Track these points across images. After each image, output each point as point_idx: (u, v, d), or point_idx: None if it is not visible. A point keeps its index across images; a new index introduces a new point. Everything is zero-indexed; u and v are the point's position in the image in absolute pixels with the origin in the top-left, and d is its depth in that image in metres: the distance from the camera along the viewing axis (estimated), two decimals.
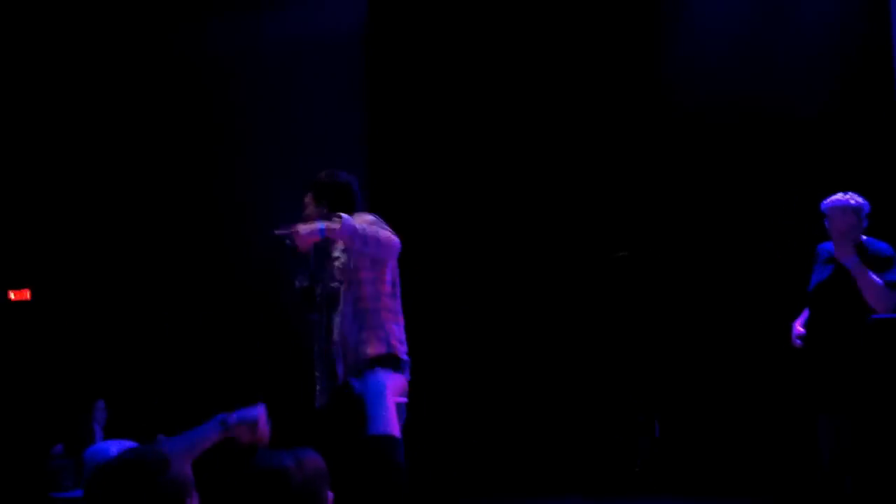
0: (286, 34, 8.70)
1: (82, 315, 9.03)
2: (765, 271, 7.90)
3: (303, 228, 4.49)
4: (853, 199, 5.08)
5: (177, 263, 8.90)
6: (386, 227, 4.71)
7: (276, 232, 4.53)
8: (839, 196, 5.11)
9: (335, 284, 4.76)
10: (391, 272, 4.78)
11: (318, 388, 4.76)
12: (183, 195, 8.93)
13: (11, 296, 9.16)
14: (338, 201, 4.81)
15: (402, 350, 4.70)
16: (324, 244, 4.78)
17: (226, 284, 8.68)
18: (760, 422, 7.87)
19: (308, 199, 4.87)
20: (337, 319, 4.72)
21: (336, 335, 4.70)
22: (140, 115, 9.01)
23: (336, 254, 4.81)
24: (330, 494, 2.31)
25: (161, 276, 8.92)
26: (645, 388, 8.61)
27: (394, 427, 4.31)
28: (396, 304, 4.79)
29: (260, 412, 2.94)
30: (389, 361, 4.56)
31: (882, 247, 5.04)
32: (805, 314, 5.32)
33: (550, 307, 8.78)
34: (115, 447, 2.61)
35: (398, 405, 4.48)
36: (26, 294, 9.22)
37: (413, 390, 4.60)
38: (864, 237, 5.07)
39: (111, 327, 8.96)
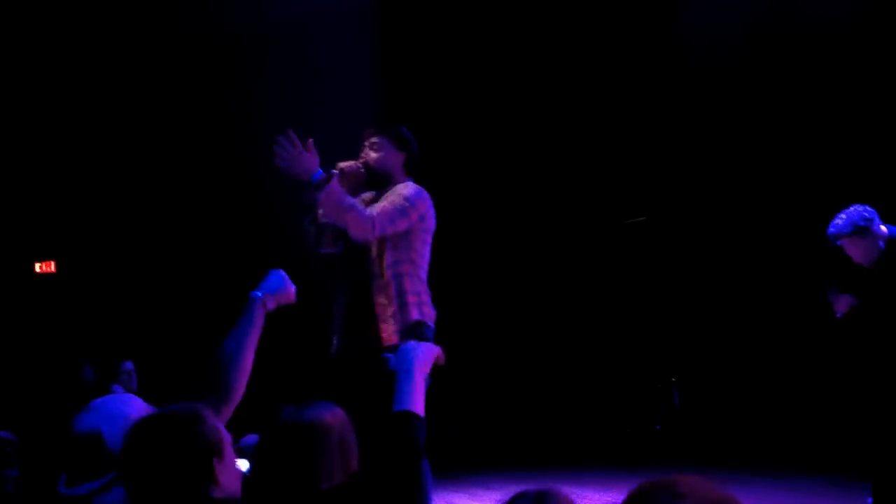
0: (298, 5, 8.69)
1: (107, 287, 9.12)
2: (786, 235, 7.84)
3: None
4: (852, 224, 4.82)
5: (199, 232, 8.96)
6: (413, 209, 4.55)
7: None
8: (839, 223, 4.86)
9: (362, 248, 4.59)
10: (421, 243, 4.65)
11: (335, 345, 4.67)
12: (202, 165, 8.98)
13: (37, 268, 9.26)
14: (412, 157, 4.72)
15: (430, 316, 4.63)
16: (373, 197, 4.63)
17: (248, 251, 8.73)
18: (781, 388, 7.84)
19: (381, 141, 4.66)
20: (366, 285, 4.59)
21: (364, 300, 4.59)
22: (160, 88, 9.05)
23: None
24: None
25: (184, 245, 8.99)
26: (664, 355, 8.60)
27: (418, 404, 4.30)
28: (424, 273, 4.69)
29: (281, 274, 3.00)
30: (419, 329, 4.50)
31: None
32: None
33: (569, 275, 8.78)
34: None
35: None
36: (51, 266, 9.31)
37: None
38: (886, 230, 4.85)
39: (136, 298, 9.05)
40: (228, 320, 2.90)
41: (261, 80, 8.65)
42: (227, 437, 2.26)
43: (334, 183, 4.35)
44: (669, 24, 8.42)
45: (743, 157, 8.17)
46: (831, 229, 4.87)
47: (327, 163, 4.47)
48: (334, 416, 2.30)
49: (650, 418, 8.53)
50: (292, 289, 3.03)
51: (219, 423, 2.27)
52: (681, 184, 8.51)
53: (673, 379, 8.45)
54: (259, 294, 2.91)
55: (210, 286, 8.85)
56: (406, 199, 4.53)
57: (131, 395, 2.72)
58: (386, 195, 4.57)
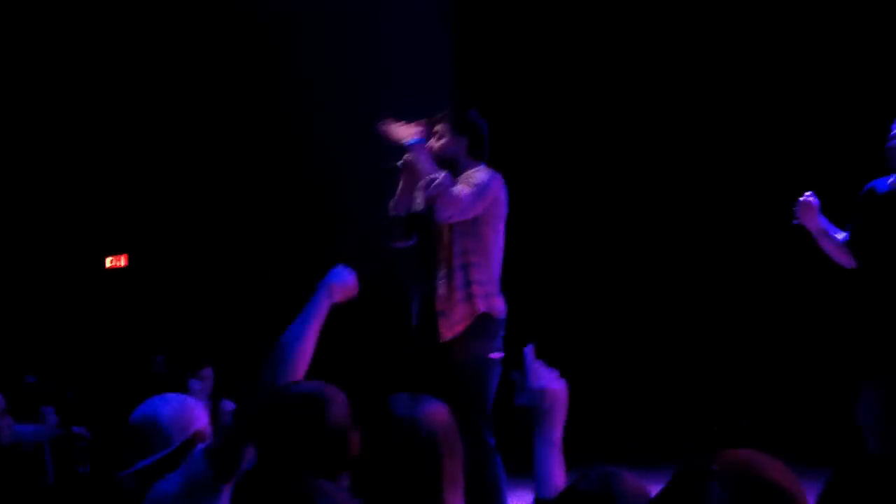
0: None
1: (180, 281, 9.09)
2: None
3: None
4: None
5: (266, 224, 8.89)
6: (488, 191, 4.42)
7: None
8: None
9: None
10: (492, 231, 4.50)
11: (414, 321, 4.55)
12: (270, 153, 8.91)
13: (108, 262, 9.24)
14: (476, 139, 4.58)
15: (499, 309, 4.43)
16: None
17: (315, 241, 8.60)
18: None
19: (443, 128, 4.55)
20: (434, 276, 4.47)
21: (432, 291, 4.46)
22: (232, 81, 8.98)
23: None
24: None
25: (252, 237, 8.94)
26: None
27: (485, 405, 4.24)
28: (496, 262, 4.53)
29: (345, 269, 3.04)
30: (485, 323, 4.33)
31: None
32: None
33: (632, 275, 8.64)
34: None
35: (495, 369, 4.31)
36: (123, 260, 9.29)
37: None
38: None
39: (210, 292, 9.01)
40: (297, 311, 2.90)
41: (334, 66, 8.52)
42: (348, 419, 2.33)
43: (425, 150, 4.39)
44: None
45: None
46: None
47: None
48: (442, 412, 2.22)
49: (739, 413, 8.32)
50: (355, 284, 3.04)
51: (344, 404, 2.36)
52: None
53: (770, 373, 8.25)
54: (325, 284, 2.94)
55: (282, 279, 8.76)
56: (479, 182, 4.39)
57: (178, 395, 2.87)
58: (458, 180, 4.43)
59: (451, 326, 4.33)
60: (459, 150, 4.51)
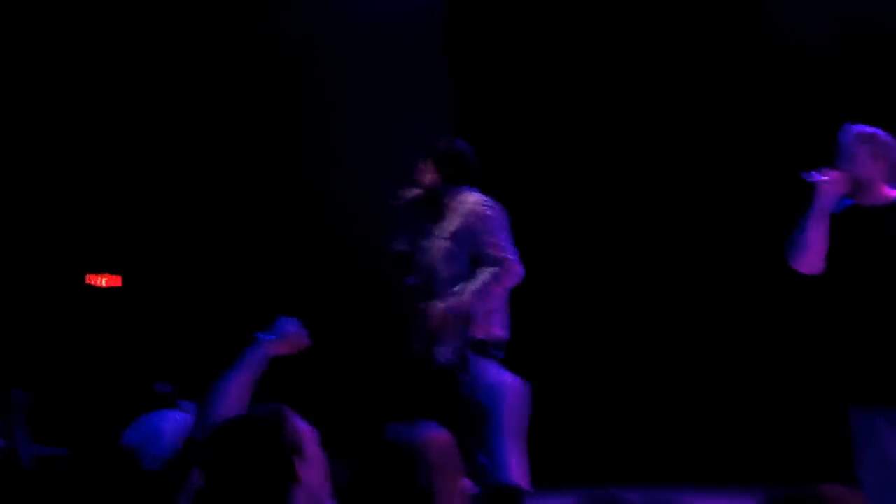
0: (370, 12, 8.57)
1: (172, 302, 9.05)
2: None
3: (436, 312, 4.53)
4: None
5: (265, 245, 8.87)
6: (498, 214, 4.71)
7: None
8: None
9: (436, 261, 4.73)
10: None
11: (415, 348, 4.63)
12: (270, 177, 8.90)
13: (102, 282, 9.19)
14: (457, 171, 4.82)
15: (498, 337, 4.55)
16: (430, 215, 4.80)
17: (316, 263, 8.67)
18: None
19: (427, 166, 4.83)
20: (437, 300, 4.64)
21: (433, 313, 4.61)
22: (228, 97, 8.96)
23: (444, 236, 4.65)
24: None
25: (250, 259, 8.90)
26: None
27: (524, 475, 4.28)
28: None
29: (291, 322, 3.03)
30: (481, 350, 4.40)
31: None
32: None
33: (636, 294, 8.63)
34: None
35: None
36: (117, 280, 9.25)
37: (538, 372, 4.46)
38: None
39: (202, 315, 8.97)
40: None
41: (334, 92, 8.55)
42: (309, 435, 2.29)
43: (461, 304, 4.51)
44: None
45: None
46: None
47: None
48: (440, 437, 2.22)
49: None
50: (300, 334, 3.05)
51: (301, 422, 2.30)
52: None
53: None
54: (261, 337, 2.95)
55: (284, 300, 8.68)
56: (493, 223, 4.68)
57: (174, 411, 2.91)
58: (454, 211, 4.74)
59: (447, 350, 4.41)
60: (447, 179, 4.76)
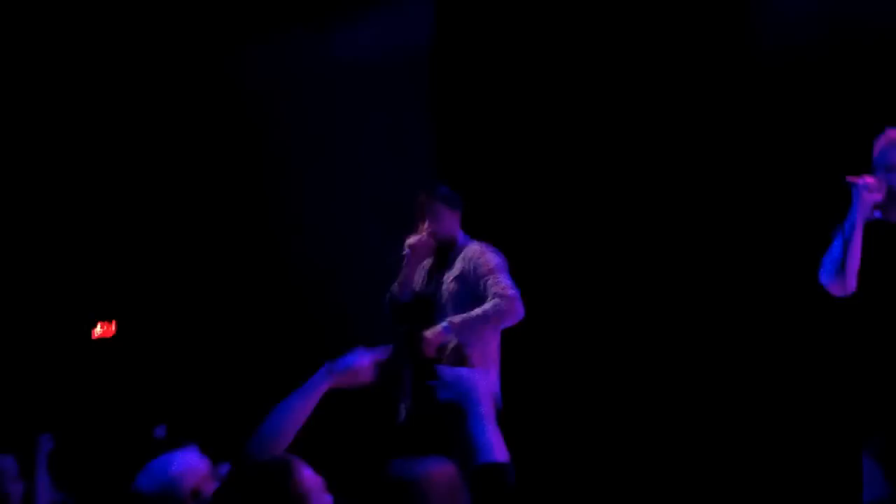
0: (355, 54, 8.69)
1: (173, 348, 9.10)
2: None
3: (433, 335, 4.72)
4: None
5: (247, 290, 8.91)
6: (500, 259, 4.95)
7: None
8: None
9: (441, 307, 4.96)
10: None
11: (401, 405, 4.73)
12: (255, 218, 8.94)
13: (98, 329, 9.24)
14: (456, 217, 5.15)
15: (493, 381, 4.83)
16: (437, 263, 5.03)
17: (302, 311, 8.62)
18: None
19: (437, 206, 5.05)
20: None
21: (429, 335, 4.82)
22: (210, 143, 9.04)
23: (450, 280, 4.79)
24: None
25: (231, 303, 8.94)
26: None
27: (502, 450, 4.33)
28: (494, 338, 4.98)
29: (363, 354, 2.98)
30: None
31: None
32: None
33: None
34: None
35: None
36: (111, 328, 9.29)
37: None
38: None
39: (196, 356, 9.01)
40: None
41: (318, 127, 8.63)
42: (318, 485, 2.31)
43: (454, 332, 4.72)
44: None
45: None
46: None
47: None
48: (444, 471, 2.24)
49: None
50: (368, 369, 2.99)
51: (309, 472, 2.33)
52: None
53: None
54: (329, 366, 2.93)
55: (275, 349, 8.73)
56: (495, 264, 4.95)
57: (182, 451, 2.85)
58: (457, 257, 5.05)
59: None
60: (455, 224, 5.08)
